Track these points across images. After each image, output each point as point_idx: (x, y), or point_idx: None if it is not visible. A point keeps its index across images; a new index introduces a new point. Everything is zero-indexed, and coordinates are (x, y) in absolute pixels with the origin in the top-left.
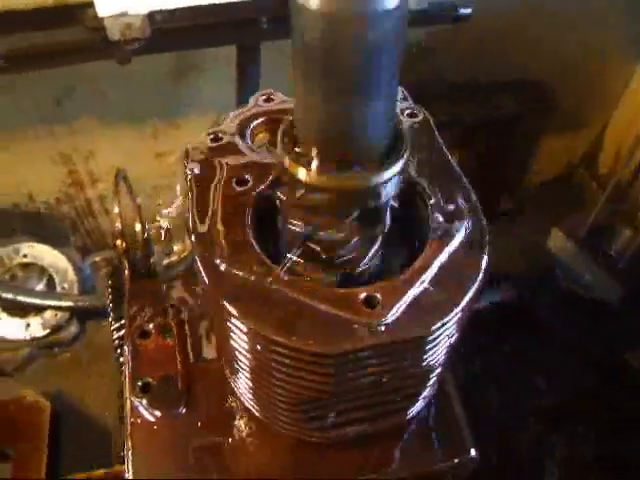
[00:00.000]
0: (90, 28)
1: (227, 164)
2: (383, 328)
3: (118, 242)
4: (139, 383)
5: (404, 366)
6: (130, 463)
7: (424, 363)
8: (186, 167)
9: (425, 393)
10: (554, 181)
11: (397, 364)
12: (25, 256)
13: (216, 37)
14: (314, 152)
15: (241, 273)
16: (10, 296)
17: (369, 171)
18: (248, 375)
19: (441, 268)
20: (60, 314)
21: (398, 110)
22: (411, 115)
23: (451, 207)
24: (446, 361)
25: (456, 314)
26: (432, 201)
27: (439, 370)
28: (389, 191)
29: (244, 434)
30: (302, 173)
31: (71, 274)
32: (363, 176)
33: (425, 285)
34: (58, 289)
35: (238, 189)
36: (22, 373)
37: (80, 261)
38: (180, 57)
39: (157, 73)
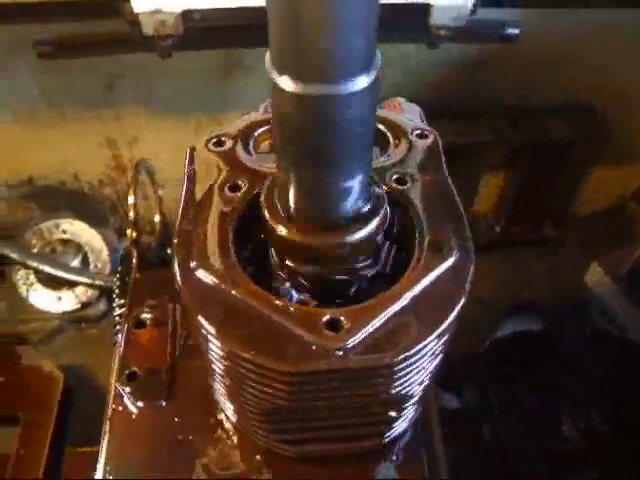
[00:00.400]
0: (129, 22)
1: (225, 168)
2: (341, 353)
3: (128, 231)
4: (126, 371)
5: (369, 393)
6: (104, 448)
7: (392, 392)
8: (185, 167)
9: (398, 421)
10: (602, 213)
11: (361, 390)
12: (64, 232)
13: (249, 39)
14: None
15: (213, 279)
16: (46, 269)
17: (340, 233)
18: (218, 379)
19: (417, 298)
20: (91, 291)
21: (409, 130)
22: (421, 136)
23: (440, 237)
24: (422, 390)
25: (424, 347)
26: (421, 227)
27: (414, 399)
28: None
29: (218, 435)
30: (281, 230)
31: (105, 254)
32: (332, 237)
33: (396, 313)
34: (91, 267)
35: (229, 195)
36: (47, 344)
37: (116, 242)
38: (228, 55)
39: (205, 69)
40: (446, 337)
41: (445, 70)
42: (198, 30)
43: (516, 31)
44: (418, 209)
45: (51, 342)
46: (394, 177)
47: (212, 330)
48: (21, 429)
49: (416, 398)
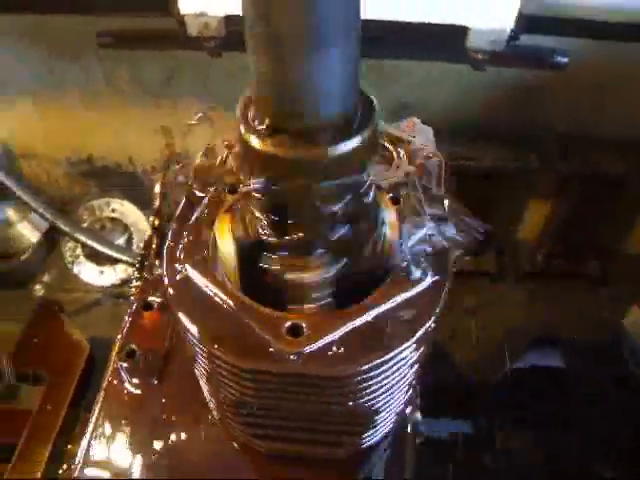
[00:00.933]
0: (178, 21)
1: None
2: (295, 358)
3: (151, 218)
4: (127, 348)
5: (325, 401)
6: (95, 414)
7: (348, 403)
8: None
9: (365, 434)
10: None
11: (316, 397)
12: (114, 211)
13: None
14: (266, 122)
15: (195, 274)
16: (92, 244)
17: (324, 144)
18: (198, 370)
19: (382, 316)
20: (131, 270)
21: (415, 150)
22: (426, 158)
23: (419, 256)
24: (388, 407)
25: (379, 365)
26: (402, 244)
27: (379, 415)
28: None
29: (200, 422)
30: (255, 142)
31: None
32: (320, 147)
33: (358, 328)
34: (135, 247)
35: (227, 196)
36: (83, 314)
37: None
38: None
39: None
40: (410, 359)
41: (497, 92)
42: (240, 34)
43: (564, 60)
44: (404, 229)
45: (87, 313)
46: (390, 195)
47: (187, 323)
48: (45, 388)
49: (382, 414)
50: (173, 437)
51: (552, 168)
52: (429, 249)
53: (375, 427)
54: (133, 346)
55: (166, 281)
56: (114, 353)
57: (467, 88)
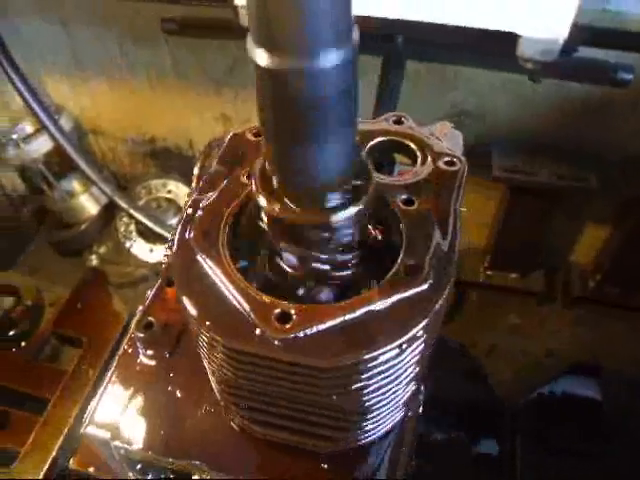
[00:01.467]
0: (233, 11)
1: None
2: (278, 343)
3: (186, 199)
4: (145, 320)
5: (309, 391)
6: (107, 380)
7: (334, 397)
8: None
9: (353, 431)
10: None
11: (300, 387)
12: (169, 192)
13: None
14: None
15: (199, 255)
16: (146, 221)
17: (327, 210)
18: (198, 346)
19: (373, 314)
20: None
21: (438, 154)
22: (449, 163)
23: (419, 263)
24: (383, 405)
25: (362, 363)
26: (405, 247)
27: (372, 412)
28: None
29: (202, 399)
30: (269, 208)
31: None
32: (322, 214)
33: (347, 323)
34: None
35: (244, 180)
36: (129, 288)
37: None
38: None
39: None
40: (403, 361)
41: (561, 106)
42: None
43: (629, 76)
44: (410, 231)
45: (133, 287)
46: (403, 197)
47: (180, 296)
48: (82, 351)
49: (373, 413)
50: (175, 411)
51: (613, 191)
52: (433, 253)
53: (365, 426)
54: (151, 319)
55: (173, 253)
56: (133, 323)
57: (529, 100)
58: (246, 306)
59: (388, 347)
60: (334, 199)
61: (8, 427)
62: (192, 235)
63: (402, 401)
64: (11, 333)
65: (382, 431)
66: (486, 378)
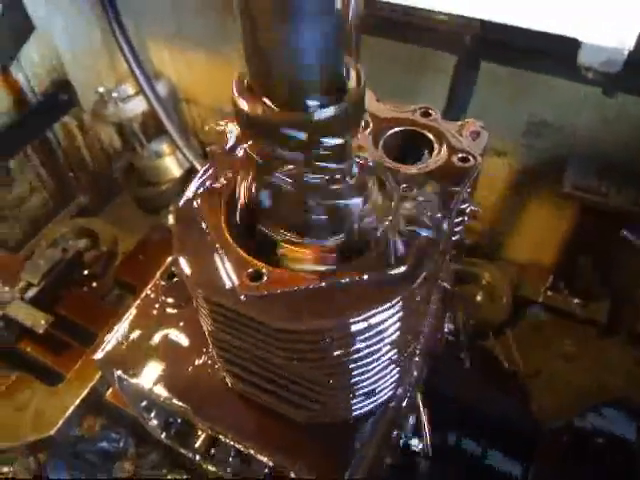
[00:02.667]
0: None
1: None
2: (243, 298)
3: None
4: (170, 270)
5: (277, 353)
6: (126, 317)
7: (295, 362)
8: None
9: (322, 406)
10: None
11: (263, 345)
12: None
13: (436, 42)
14: (258, 91)
15: (200, 213)
16: None
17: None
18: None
19: (341, 287)
20: None
21: (455, 149)
22: (463, 160)
23: (399, 250)
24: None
25: (316, 333)
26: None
27: (339, 389)
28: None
29: (202, 351)
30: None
31: None
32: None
33: (314, 291)
34: None
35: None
36: None
37: None
38: (412, 50)
39: (392, 58)
40: (369, 340)
41: None
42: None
43: None
44: (400, 218)
45: None
46: (405, 185)
47: (176, 247)
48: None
49: (344, 388)
50: (178, 356)
51: None
52: (416, 241)
53: (335, 402)
54: (175, 269)
55: (176, 208)
56: (159, 272)
57: (612, 117)
58: (227, 263)
59: (339, 322)
60: (313, 99)
61: (62, 354)
62: (197, 194)
63: (372, 387)
64: (85, 273)
65: (356, 413)
66: (528, 400)
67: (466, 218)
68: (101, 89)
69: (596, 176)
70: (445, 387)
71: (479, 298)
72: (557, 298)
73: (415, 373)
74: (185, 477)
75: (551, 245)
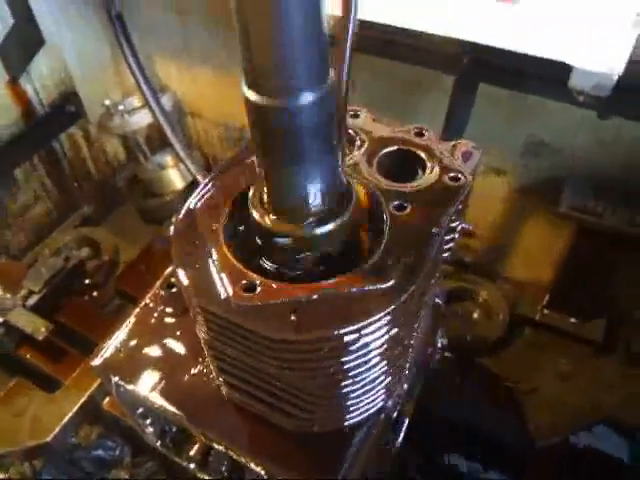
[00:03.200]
0: None
1: None
2: (235, 307)
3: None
4: (169, 280)
5: (267, 361)
6: (124, 326)
7: (286, 370)
8: None
9: (313, 413)
10: None
11: (256, 354)
12: None
13: (434, 63)
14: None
15: (200, 224)
16: None
17: (310, 225)
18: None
19: (329, 298)
20: None
21: (447, 168)
22: (454, 179)
23: (386, 264)
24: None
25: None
26: (383, 247)
27: (325, 398)
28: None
29: (198, 361)
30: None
31: None
32: (302, 228)
33: (303, 303)
34: None
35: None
36: None
37: None
38: (413, 71)
39: (392, 77)
40: (355, 353)
41: None
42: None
43: None
44: (389, 235)
45: None
46: (396, 202)
47: (175, 257)
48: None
49: (325, 398)
50: (174, 364)
51: None
52: (404, 258)
53: (322, 411)
54: (174, 281)
55: (177, 219)
56: (158, 282)
57: (607, 138)
58: (223, 271)
59: (329, 333)
60: (311, 217)
61: (61, 362)
62: (197, 207)
63: (363, 398)
64: (87, 282)
65: (347, 423)
66: (523, 417)
67: (457, 235)
68: (107, 102)
69: (593, 197)
70: (439, 405)
71: (476, 315)
72: (553, 316)
73: (405, 386)
74: None
75: (548, 264)
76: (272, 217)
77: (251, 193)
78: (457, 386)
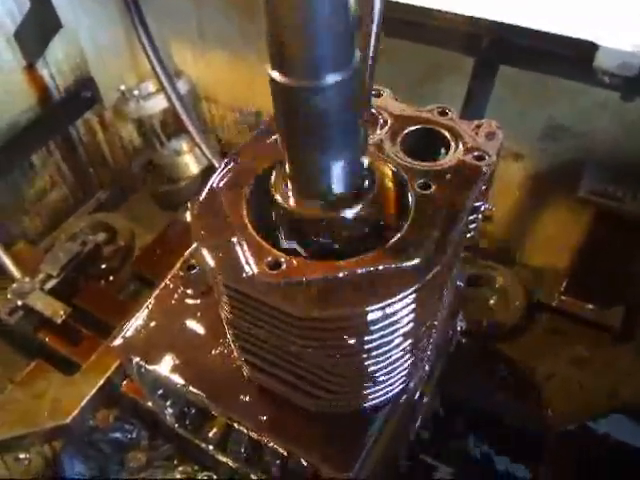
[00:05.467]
0: None
1: None
2: (262, 286)
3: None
4: (190, 262)
5: (291, 339)
6: (145, 306)
7: (310, 349)
8: None
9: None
10: None
11: (280, 332)
12: None
13: (453, 44)
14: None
15: (223, 201)
16: None
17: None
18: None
19: (358, 277)
20: None
21: (470, 148)
22: (477, 158)
23: (414, 242)
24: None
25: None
26: (407, 226)
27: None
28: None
29: (218, 340)
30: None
31: None
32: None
33: (331, 280)
34: None
35: None
36: None
37: None
38: (433, 53)
39: (412, 66)
40: (379, 332)
41: None
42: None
43: None
44: (416, 212)
45: None
46: (421, 181)
47: (198, 236)
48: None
49: (349, 378)
50: (195, 345)
51: None
52: (430, 237)
53: (345, 392)
54: (194, 262)
55: (200, 199)
56: (179, 262)
57: (630, 121)
58: (247, 252)
59: (353, 311)
60: (335, 197)
61: (79, 344)
62: (219, 186)
63: (385, 377)
64: (103, 266)
65: (369, 404)
66: (540, 403)
67: (480, 216)
68: (123, 87)
69: (613, 181)
70: (457, 390)
71: (493, 301)
72: (571, 303)
73: (427, 368)
74: (196, 468)
75: (566, 249)
76: (296, 198)
77: (274, 174)
78: (474, 371)
